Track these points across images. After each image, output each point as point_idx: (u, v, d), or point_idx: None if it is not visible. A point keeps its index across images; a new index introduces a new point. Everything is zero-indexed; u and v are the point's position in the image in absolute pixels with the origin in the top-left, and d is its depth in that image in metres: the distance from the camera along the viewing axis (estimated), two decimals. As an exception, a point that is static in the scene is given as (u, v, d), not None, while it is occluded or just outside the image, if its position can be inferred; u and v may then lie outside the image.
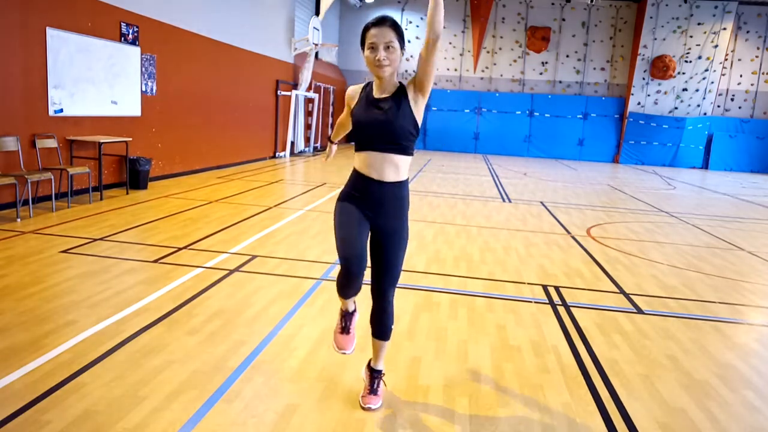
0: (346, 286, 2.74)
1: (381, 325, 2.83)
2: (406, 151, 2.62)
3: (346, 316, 2.97)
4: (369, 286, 2.84)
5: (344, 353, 2.97)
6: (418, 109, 2.60)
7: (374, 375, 2.89)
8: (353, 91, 2.76)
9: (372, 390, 2.86)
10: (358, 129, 2.65)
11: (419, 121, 2.61)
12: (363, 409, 2.81)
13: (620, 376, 3.32)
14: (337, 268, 5.56)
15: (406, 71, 22.88)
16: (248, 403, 2.80)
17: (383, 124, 2.56)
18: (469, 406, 2.89)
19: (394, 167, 2.62)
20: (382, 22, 2.54)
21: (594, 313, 4.43)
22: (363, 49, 2.58)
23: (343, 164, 15.22)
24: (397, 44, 2.54)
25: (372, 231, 2.72)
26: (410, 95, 2.59)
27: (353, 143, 2.73)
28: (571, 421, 2.81)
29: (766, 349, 3.95)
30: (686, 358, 3.64)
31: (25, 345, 3.26)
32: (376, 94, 2.64)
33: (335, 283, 2.84)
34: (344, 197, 2.74)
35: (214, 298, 4.23)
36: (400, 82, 2.65)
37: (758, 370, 3.55)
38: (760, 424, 2.89)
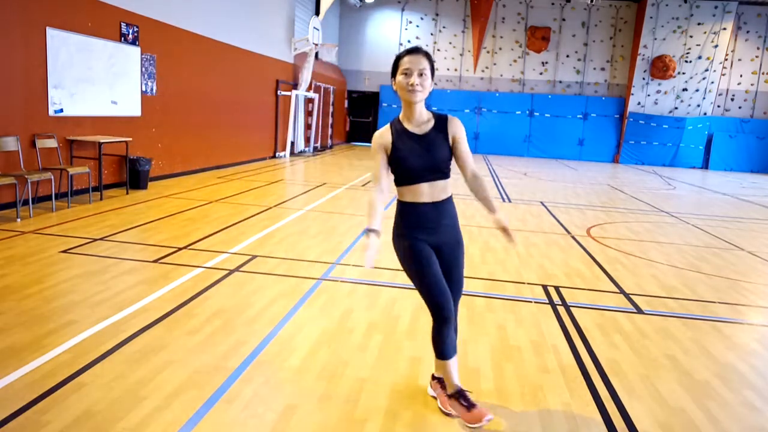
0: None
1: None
2: (447, 175, 2.72)
3: (462, 395, 2.66)
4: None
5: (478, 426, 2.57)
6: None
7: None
8: (383, 135, 2.70)
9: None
10: (404, 164, 2.65)
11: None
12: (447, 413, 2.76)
13: (620, 376, 3.32)
14: (337, 268, 5.54)
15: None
16: (248, 403, 2.80)
17: (429, 157, 2.63)
18: (469, 406, 2.89)
19: (443, 191, 2.70)
20: (416, 51, 2.61)
21: (594, 313, 4.43)
22: (394, 77, 2.63)
23: (343, 164, 15.22)
24: (428, 72, 2.59)
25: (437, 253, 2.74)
26: (450, 133, 2.69)
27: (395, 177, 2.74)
28: (571, 421, 2.81)
29: (766, 349, 3.95)
30: (686, 358, 3.64)
31: (25, 345, 3.26)
32: (412, 129, 2.67)
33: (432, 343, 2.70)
34: (407, 236, 2.70)
35: (214, 298, 4.23)
36: (438, 114, 2.72)
37: (758, 370, 3.55)
38: (760, 424, 2.89)
